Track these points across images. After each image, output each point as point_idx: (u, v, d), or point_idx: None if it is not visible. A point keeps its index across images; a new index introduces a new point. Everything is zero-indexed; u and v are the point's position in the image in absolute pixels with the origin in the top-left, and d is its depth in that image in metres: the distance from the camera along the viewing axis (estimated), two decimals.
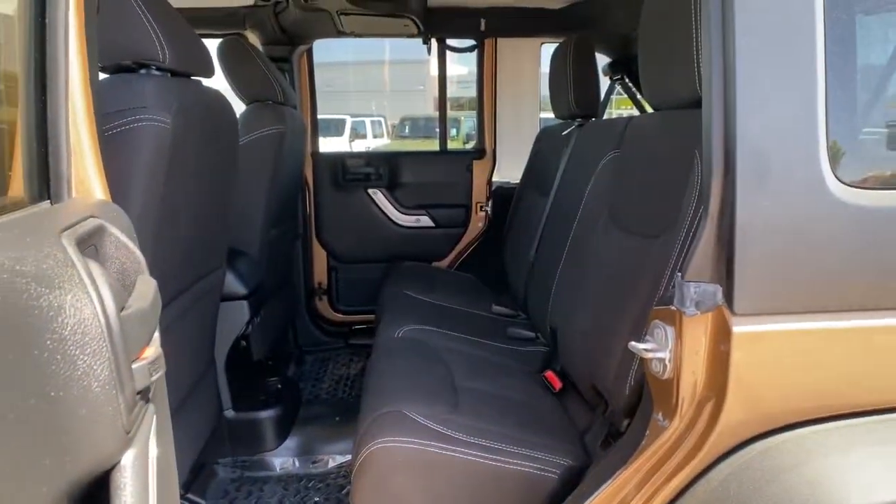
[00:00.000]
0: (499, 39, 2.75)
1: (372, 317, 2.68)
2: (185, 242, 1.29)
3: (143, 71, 1.16)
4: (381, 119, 11.90)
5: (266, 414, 1.90)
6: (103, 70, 1.16)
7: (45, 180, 0.69)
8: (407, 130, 11.31)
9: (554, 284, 1.75)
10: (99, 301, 0.45)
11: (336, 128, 10.49)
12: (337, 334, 2.82)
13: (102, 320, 0.44)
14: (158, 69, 1.17)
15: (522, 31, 2.72)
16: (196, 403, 1.52)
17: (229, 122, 1.46)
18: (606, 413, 1.34)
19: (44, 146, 0.69)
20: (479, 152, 2.85)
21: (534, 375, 1.68)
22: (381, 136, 11.60)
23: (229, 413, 1.84)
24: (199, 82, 1.34)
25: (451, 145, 3.03)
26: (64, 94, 0.70)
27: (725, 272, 0.90)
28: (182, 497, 1.64)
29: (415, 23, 2.38)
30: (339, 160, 2.74)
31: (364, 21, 2.33)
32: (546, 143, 2.39)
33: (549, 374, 1.63)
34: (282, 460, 1.88)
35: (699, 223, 0.94)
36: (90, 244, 0.58)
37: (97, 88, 0.75)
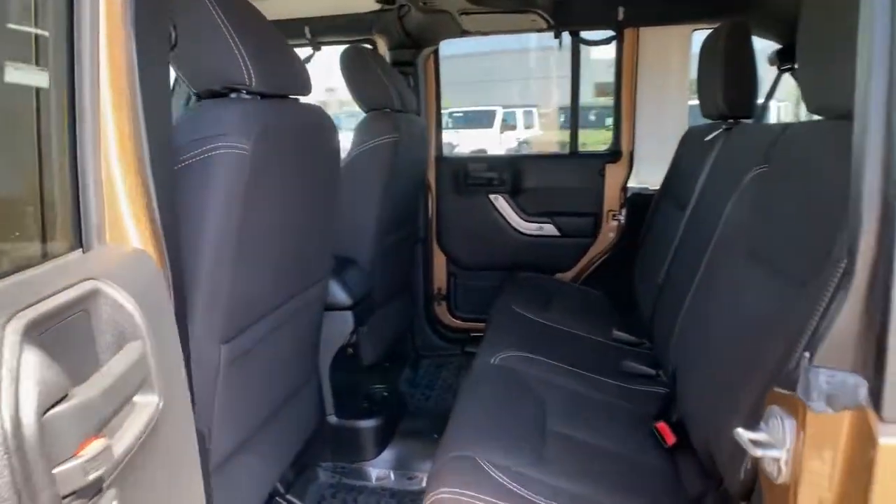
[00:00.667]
0: (641, 28, 2.47)
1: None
2: (276, 262, 1.30)
3: (233, 95, 1.17)
4: (533, 109, 11.66)
5: (367, 423, 1.91)
6: (198, 96, 1.19)
7: (77, 228, 0.69)
8: (562, 119, 10.95)
9: (680, 316, 1.52)
10: (11, 405, 0.41)
11: (487, 119, 10.48)
12: (454, 340, 2.77)
13: (7, 427, 0.40)
14: (248, 92, 1.17)
15: (667, 18, 2.41)
16: (295, 408, 1.55)
17: (327, 136, 1.44)
18: (720, 489, 1.12)
19: (76, 192, 0.69)
20: (613, 154, 2.60)
21: (645, 422, 1.47)
22: (532, 126, 11.38)
23: (332, 419, 1.87)
24: (295, 101, 1.33)
25: (594, 138, 2.81)
26: (93, 141, 0.69)
27: (874, 361, 0.66)
28: (282, 496, 1.70)
29: (543, 17, 2.21)
30: (461, 164, 2.68)
31: (488, 19, 2.23)
32: (690, 146, 2.10)
33: (663, 425, 1.41)
34: (378, 471, 1.88)
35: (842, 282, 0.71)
36: (75, 311, 0.55)
37: (149, 130, 0.74)
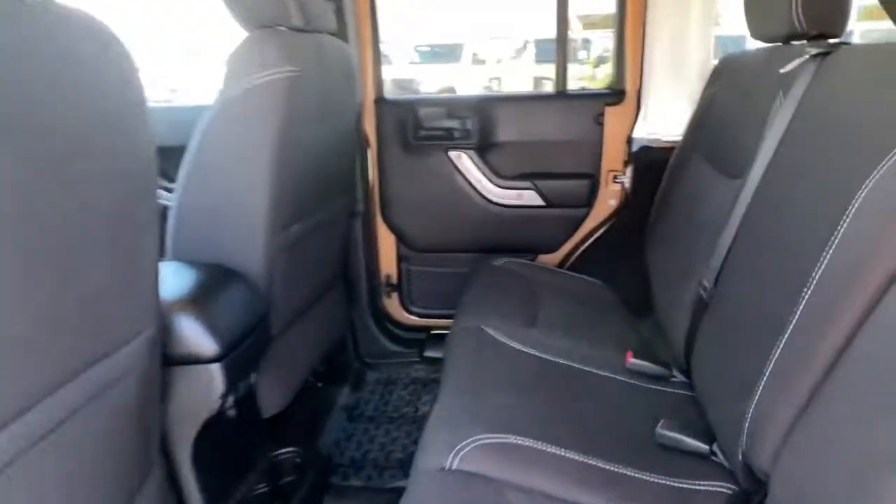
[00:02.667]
0: None
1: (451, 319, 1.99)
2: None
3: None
4: (508, 40, 10.70)
5: None
6: None
7: None
8: (535, 55, 10.03)
9: (768, 368, 0.88)
10: None
11: (452, 54, 9.54)
12: (410, 342, 2.14)
13: None
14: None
15: None
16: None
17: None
18: None
19: None
20: (615, 95, 1.92)
21: None
22: (504, 60, 10.45)
23: None
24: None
25: (578, 73, 2.10)
26: None
27: None
28: None
29: None
30: (409, 109, 1.95)
31: None
32: (736, 81, 1.43)
33: None
34: None
35: None
36: None
37: None
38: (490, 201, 1.97)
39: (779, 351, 0.84)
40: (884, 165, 0.73)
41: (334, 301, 1.88)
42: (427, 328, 2.17)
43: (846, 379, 0.74)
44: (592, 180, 1.92)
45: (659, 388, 1.31)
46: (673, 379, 1.35)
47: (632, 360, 1.36)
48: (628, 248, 1.88)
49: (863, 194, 0.75)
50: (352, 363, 2.10)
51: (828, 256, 0.78)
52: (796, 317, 0.81)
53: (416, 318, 2.16)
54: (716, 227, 1.20)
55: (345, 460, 1.65)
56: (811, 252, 0.81)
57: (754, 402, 0.87)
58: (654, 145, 1.90)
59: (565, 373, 1.30)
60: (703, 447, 1.05)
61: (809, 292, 0.80)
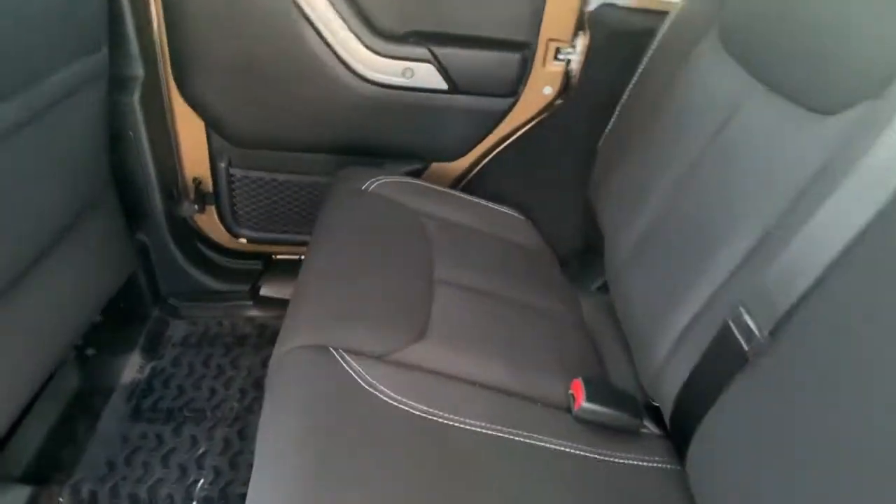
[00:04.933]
0: None
1: (302, 246, 1.38)
2: None
3: None
4: None
5: None
6: None
7: None
8: None
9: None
10: None
11: None
12: (236, 275, 1.46)
13: None
14: None
15: None
16: None
17: None
18: None
19: None
20: None
21: None
22: None
23: None
24: None
25: None
26: None
27: None
28: None
29: None
30: None
31: None
32: None
33: None
34: None
35: None
36: None
37: None
38: (360, 76, 1.21)
39: None
40: None
41: (95, 231, 1.13)
42: (261, 255, 1.49)
43: None
44: (523, 54, 1.22)
45: (630, 459, 0.80)
46: (644, 431, 0.86)
47: (583, 405, 0.83)
48: (566, 166, 1.29)
49: None
50: (147, 309, 1.40)
51: None
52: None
53: (246, 244, 1.46)
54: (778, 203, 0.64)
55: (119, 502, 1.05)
56: None
57: None
58: (623, 3, 1.21)
59: (471, 441, 0.74)
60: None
61: None
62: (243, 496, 1.05)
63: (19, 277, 0.92)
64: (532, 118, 1.30)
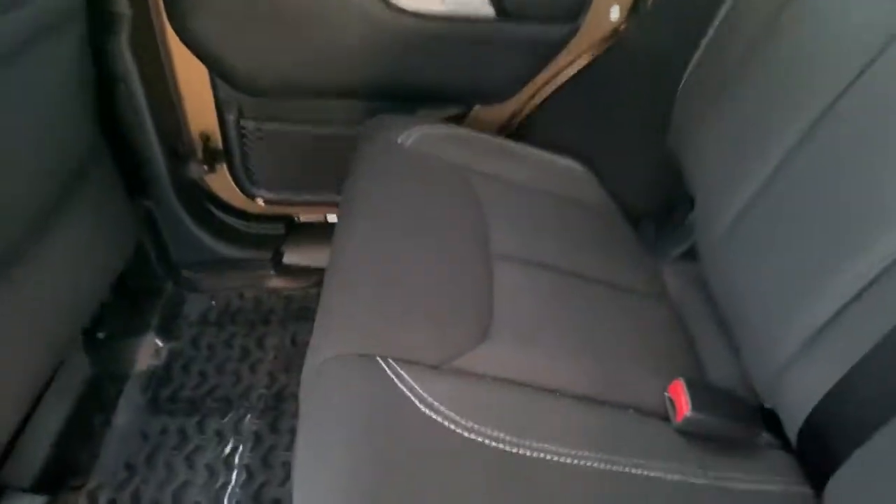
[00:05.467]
0: None
1: (327, 206, 1.23)
2: None
3: None
4: None
5: None
6: None
7: None
8: None
9: None
10: None
11: None
12: (255, 241, 1.31)
13: None
14: None
15: None
16: None
17: None
18: None
19: None
20: None
21: None
22: None
23: None
24: None
25: None
26: None
27: None
28: None
29: None
30: None
31: None
32: None
33: None
34: None
35: None
36: None
37: None
38: (389, 4, 0.99)
39: None
40: None
41: (91, 200, 0.97)
42: (281, 218, 1.33)
43: None
44: None
45: (752, 483, 0.65)
46: (758, 440, 0.71)
47: (689, 415, 0.67)
48: (639, 108, 1.08)
49: None
50: (160, 284, 1.26)
51: None
52: None
53: (263, 205, 1.29)
54: None
55: None
56: None
57: None
58: None
59: (559, 476, 0.59)
60: None
61: None
62: (278, 501, 0.93)
63: (12, 256, 0.78)
64: (596, 48, 1.08)
